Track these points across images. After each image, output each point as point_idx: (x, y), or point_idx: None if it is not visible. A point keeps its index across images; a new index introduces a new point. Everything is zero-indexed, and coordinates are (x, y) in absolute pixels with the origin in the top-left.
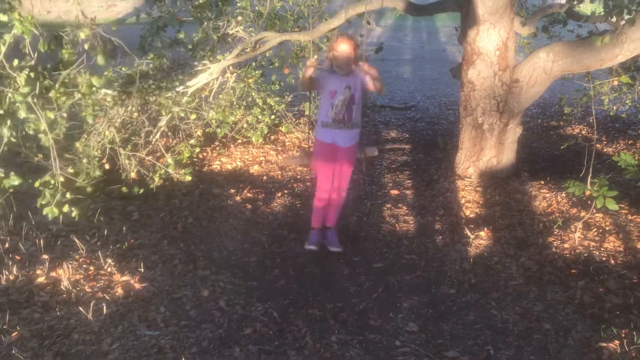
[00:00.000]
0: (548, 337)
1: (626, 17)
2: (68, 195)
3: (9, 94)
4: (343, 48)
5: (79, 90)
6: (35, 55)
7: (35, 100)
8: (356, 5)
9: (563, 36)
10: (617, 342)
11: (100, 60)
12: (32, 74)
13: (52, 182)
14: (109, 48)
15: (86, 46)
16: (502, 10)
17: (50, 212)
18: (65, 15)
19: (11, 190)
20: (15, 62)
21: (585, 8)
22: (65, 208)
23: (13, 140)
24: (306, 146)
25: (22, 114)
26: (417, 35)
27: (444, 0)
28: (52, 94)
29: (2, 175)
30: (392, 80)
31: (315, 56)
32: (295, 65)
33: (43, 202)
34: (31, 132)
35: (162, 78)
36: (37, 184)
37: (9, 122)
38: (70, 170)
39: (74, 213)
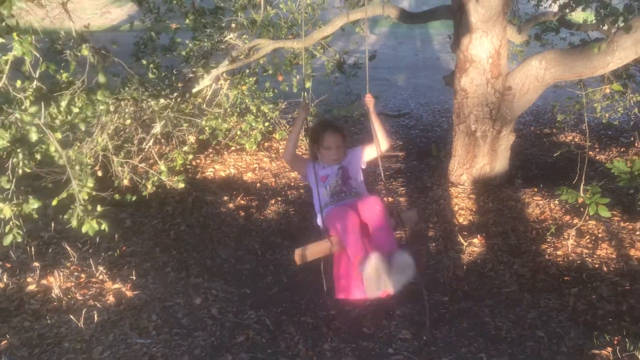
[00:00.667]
0: (541, 345)
1: (620, 24)
2: (99, 208)
3: (17, 114)
4: (332, 141)
5: (79, 106)
6: (37, 74)
7: (42, 120)
8: (350, 13)
9: (555, 44)
10: (609, 349)
11: (101, 78)
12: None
13: (83, 197)
14: (106, 65)
15: (91, 59)
16: (494, 18)
17: (90, 228)
18: (58, 22)
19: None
20: (19, 83)
21: (577, 16)
22: (94, 223)
23: (27, 168)
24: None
25: (33, 136)
26: (410, 43)
27: (437, 8)
28: (58, 119)
29: (18, 201)
30: (386, 88)
31: (307, 101)
32: (289, 73)
33: (76, 220)
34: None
35: (156, 85)
36: (54, 203)
37: (20, 153)
38: (90, 184)
39: (103, 225)
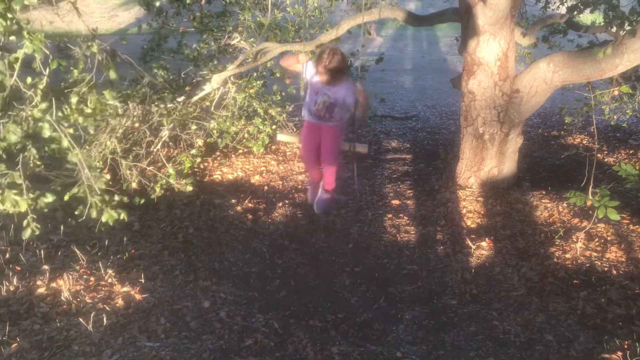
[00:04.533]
0: (550, 349)
1: (627, 27)
2: (117, 198)
3: (28, 111)
4: (332, 66)
5: (91, 107)
6: (47, 71)
7: (54, 117)
8: (356, 16)
9: (563, 46)
10: (619, 353)
11: (112, 75)
12: (46, 91)
13: (99, 187)
14: (117, 61)
15: (99, 57)
16: (502, 21)
17: (109, 217)
18: (67, 26)
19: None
20: (29, 79)
21: (585, 18)
22: (113, 212)
23: (37, 162)
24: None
25: (46, 132)
26: (417, 45)
27: (444, 10)
28: (69, 114)
29: (33, 195)
30: (393, 90)
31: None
32: (296, 76)
33: (95, 210)
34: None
35: (164, 88)
36: (66, 197)
37: (32, 149)
38: (105, 178)
39: (122, 215)
